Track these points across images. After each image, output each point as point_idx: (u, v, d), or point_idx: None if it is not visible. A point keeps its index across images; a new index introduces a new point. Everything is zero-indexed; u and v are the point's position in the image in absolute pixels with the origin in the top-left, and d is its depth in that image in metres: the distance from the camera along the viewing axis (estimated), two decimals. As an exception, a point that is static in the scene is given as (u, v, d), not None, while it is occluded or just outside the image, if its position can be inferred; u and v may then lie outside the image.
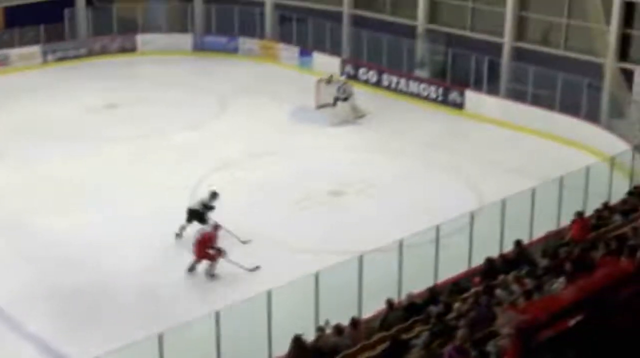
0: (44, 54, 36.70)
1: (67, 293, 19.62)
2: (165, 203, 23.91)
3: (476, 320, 14.36)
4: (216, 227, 20.73)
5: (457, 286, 17.35)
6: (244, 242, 21.50)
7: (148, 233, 22.35)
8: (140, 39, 38.31)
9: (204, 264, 20.54)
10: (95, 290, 19.77)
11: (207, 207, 21.94)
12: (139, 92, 33.64)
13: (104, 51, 37.88)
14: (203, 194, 22.53)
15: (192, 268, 20.57)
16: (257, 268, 20.49)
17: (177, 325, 15.16)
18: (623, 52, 29.33)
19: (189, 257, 21.06)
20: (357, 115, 31.02)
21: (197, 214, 21.85)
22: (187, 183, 25.16)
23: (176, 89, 33.91)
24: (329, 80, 31.55)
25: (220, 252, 20.33)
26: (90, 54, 37.73)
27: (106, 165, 26.74)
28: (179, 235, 22.03)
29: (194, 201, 22.41)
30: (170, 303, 19.29)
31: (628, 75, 28.75)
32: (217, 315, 14.88)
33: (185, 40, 38.81)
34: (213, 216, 21.73)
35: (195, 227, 21.41)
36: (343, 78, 32.37)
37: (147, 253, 21.37)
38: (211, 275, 20.44)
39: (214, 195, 22.09)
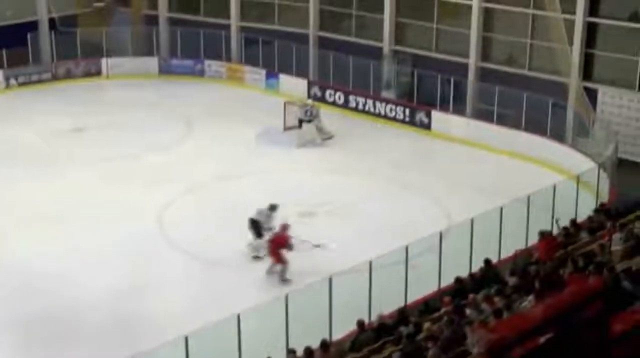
0: (7, 78, 36.35)
1: (33, 320, 19.32)
2: (133, 227, 23.73)
3: (449, 340, 14.33)
4: (285, 226, 21.22)
5: (427, 306, 17.35)
6: (316, 246, 21.63)
7: (116, 258, 22.14)
8: (106, 62, 38.12)
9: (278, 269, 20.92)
10: (63, 317, 19.49)
11: (266, 218, 22.11)
12: (105, 115, 33.40)
13: (68, 75, 37.63)
14: (261, 207, 22.47)
15: (270, 272, 21.05)
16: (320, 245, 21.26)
17: (145, 350, 14.98)
18: (586, 72, 29.69)
19: (157, 282, 20.94)
20: (324, 137, 31.04)
21: (255, 224, 22.06)
22: (154, 206, 25.01)
23: (143, 113, 33.74)
24: (304, 106, 31.32)
25: (291, 247, 20.90)
26: (55, 78, 37.46)
27: (72, 189, 26.47)
28: (249, 245, 22.22)
29: (254, 213, 22.39)
30: (139, 328, 19.07)
31: (592, 95, 29.09)
32: (186, 339, 14.74)
33: (151, 63, 38.68)
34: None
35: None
36: (310, 101, 32.41)
37: (114, 278, 21.12)
38: (284, 280, 20.65)
39: (272, 207, 22.34)
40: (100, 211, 24.88)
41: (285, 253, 21.00)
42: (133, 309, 19.87)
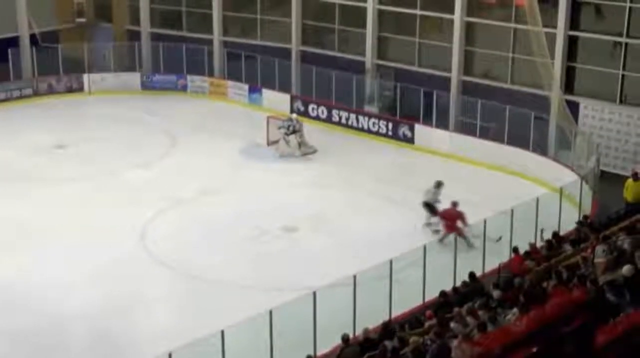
0: (-12, 94, 36.21)
1: (16, 338, 19.11)
2: (116, 243, 23.59)
3: (437, 353, 14.30)
4: (455, 203, 23.41)
5: (412, 320, 17.31)
6: (498, 240, 22.07)
7: (99, 274, 21.98)
8: (88, 78, 37.99)
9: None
10: (43, 335, 19.30)
11: (434, 196, 24.39)
12: (87, 131, 33.30)
13: (50, 91, 37.46)
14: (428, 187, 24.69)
15: (441, 240, 23.02)
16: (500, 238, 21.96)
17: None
18: (568, 85, 29.86)
19: (141, 298, 20.83)
20: (307, 151, 31.06)
21: (428, 206, 24.27)
22: (137, 222, 24.89)
23: (126, 128, 33.62)
24: (287, 120, 31.41)
25: (464, 221, 22.94)
26: (36, 94, 37.26)
27: (54, 206, 26.29)
28: (429, 224, 24.25)
29: (423, 195, 24.52)
30: (123, 346, 18.94)
31: (574, 107, 29.24)
32: (169, 356, 14.64)
33: (134, 79, 38.59)
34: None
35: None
36: (294, 115, 32.41)
37: (97, 295, 20.96)
38: (469, 245, 22.45)
39: (439, 184, 24.59)
40: (82, 227, 24.70)
41: (460, 224, 22.94)
42: (117, 326, 19.72)
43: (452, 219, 23.20)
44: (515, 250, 19.59)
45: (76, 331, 19.53)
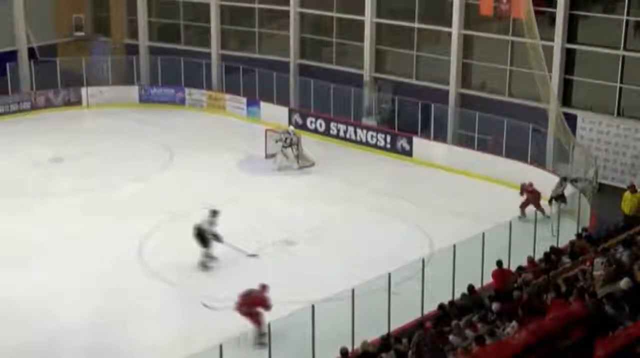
0: (-14, 108, 36.22)
1: (13, 353, 19.05)
2: (113, 257, 23.54)
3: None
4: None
5: (410, 332, 17.26)
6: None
7: (96, 289, 21.93)
8: (86, 91, 38.03)
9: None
10: (42, 350, 19.23)
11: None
12: (85, 145, 33.27)
13: (48, 105, 37.51)
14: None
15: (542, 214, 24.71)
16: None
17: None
18: (566, 98, 29.89)
19: (138, 312, 20.76)
20: (305, 164, 31.06)
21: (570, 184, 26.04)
22: (135, 236, 24.84)
23: (123, 141, 33.63)
24: (284, 132, 31.41)
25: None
26: (34, 108, 37.30)
27: (52, 219, 26.26)
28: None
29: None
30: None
31: (571, 120, 29.26)
32: (167, 370, 14.62)
33: (132, 92, 38.63)
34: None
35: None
36: (291, 128, 32.43)
37: (94, 310, 20.89)
38: (542, 213, 24.38)
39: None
40: (80, 241, 24.67)
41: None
42: (114, 341, 19.65)
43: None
44: (499, 263, 19.56)
45: (73, 346, 19.42)
